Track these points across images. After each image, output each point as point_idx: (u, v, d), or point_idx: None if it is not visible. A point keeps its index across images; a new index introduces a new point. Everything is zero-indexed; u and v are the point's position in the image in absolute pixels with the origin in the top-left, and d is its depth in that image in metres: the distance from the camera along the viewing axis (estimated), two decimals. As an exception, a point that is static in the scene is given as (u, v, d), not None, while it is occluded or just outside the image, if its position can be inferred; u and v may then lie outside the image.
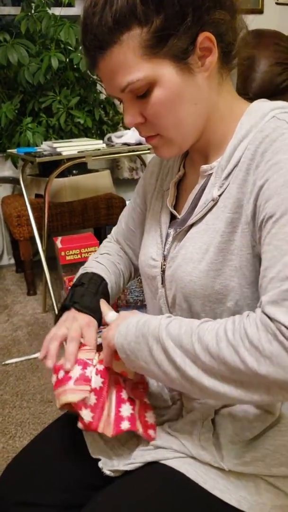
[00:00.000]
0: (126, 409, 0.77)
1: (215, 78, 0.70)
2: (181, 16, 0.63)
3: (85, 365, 0.77)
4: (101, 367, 0.79)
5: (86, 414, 0.73)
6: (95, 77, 2.79)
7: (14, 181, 3.03)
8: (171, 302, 0.77)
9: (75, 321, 0.83)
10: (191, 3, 0.63)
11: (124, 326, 0.71)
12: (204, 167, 0.74)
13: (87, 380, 0.76)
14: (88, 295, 0.89)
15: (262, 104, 0.71)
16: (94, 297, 0.89)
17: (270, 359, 0.54)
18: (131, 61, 0.64)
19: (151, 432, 0.78)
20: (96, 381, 0.77)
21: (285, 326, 0.54)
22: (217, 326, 0.61)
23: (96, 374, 0.78)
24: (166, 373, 0.64)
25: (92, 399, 0.75)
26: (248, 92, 2.70)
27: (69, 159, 2.02)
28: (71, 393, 0.74)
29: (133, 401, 0.79)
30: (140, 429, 0.76)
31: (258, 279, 0.67)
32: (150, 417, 0.79)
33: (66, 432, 0.84)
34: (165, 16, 0.63)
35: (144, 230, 0.91)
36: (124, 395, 0.79)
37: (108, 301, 0.91)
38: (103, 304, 0.88)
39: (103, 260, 0.99)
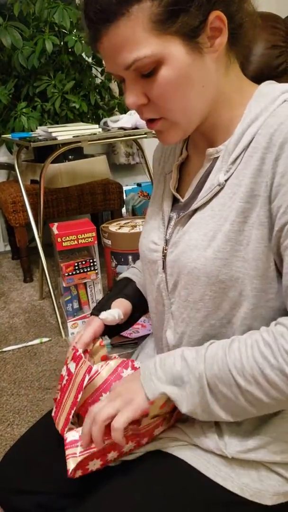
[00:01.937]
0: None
1: (223, 61, 0.67)
2: None
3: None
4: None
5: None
6: (90, 60, 2.74)
7: (9, 167, 3.00)
8: (171, 288, 0.76)
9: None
10: None
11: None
12: (210, 150, 0.72)
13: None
14: (105, 298, 0.92)
15: (272, 87, 0.69)
16: (109, 299, 0.91)
17: None
18: (139, 36, 0.61)
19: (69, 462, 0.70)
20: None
21: None
22: (250, 352, 0.62)
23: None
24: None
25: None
26: (245, 75, 2.67)
27: (65, 144, 1.99)
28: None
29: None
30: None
31: (269, 272, 0.67)
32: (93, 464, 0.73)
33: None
34: None
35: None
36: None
37: (134, 299, 0.92)
38: (114, 304, 0.89)
39: (138, 262, 1.01)
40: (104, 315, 0.85)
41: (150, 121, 0.70)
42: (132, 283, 0.96)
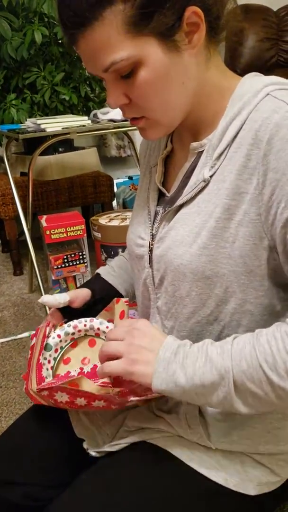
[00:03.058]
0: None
1: (202, 54, 0.66)
2: None
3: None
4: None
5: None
6: (80, 52, 2.72)
7: (-2, 159, 2.97)
8: (157, 283, 0.75)
9: None
10: None
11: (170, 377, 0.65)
12: (194, 144, 0.71)
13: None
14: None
15: (255, 79, 0.68)
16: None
17: None
18: (114, 40, 0.60)
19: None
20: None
21: None
22: (281, 345, 0.59)
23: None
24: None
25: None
26: (236, 68, 2.66)
27: (54, 135, 1.98)
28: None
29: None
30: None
31: (260, 269, 0.66)
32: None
33: (51, 412, 0.83)
34: None
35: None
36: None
37: (98, 290, 0.94)
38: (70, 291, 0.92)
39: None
40: (44, 298, 0.88)
41: (133, 119, 0.70)
42: (102, 279, 0.97)
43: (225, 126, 0.66)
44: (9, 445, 0.87)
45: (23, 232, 2.22)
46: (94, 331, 0.90)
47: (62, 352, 0.87)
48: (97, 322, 0.89)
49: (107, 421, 0.82)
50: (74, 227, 1.89)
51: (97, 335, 0.90)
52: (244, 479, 0.71)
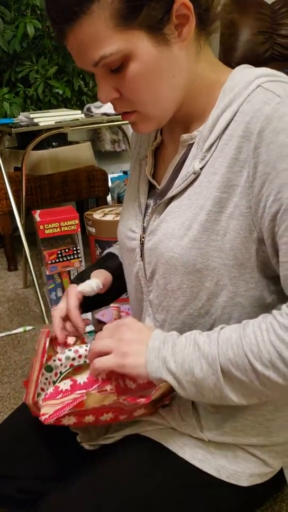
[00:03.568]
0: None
1: (192, 47, 0.66)
2: None
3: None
4: None
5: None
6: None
7: (-8, 154, 2.96)
8: (149, 276, 0.75)
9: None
10: None
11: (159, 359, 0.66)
12: (185, 136, 0.71)
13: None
14: (87, 269, 0.92)
15: (246, 71, 0.67)
16: (90, 270, 0.91)
17: None
18: (103, 34, 0.59)
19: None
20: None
21: None
22: (266, 336, 0.60)
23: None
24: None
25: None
26: (230, 62, 2.65)
27: (47, 129, 1.97)
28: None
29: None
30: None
31: (250, 262, 0.66)
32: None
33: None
34: None
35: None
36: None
37: (115, 271, 0.92)
38: (93, 274, 0.89)
39: None
40: (81, 286, 0.84)
41: (124, 113, 0.69)
42: (115, 257, 0.95)
43: (215, 118, 0.66)
44: (3, 440, 0.87)
45: (17, 228, 2.21)
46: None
47: (61, 377, 0.83)
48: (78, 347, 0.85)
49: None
50: (68, 221, 1.89)
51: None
52: (236, 471, 0.72)
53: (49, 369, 0.82)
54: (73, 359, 0.84)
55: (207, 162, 0.67)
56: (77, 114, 2.05)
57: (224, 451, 0.72)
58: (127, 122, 2.13)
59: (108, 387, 0.71)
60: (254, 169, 0.62)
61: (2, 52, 2.43)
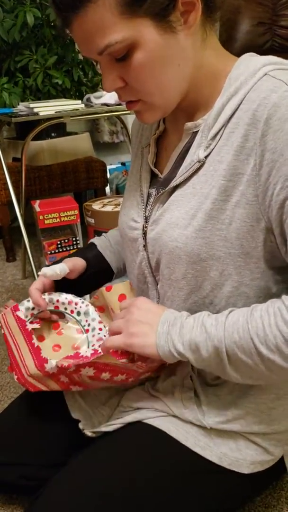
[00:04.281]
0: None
1: (198, 34, 0.65)
2: None
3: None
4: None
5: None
6: (73, 35, 2.68)
7: (-10, 144, 2.94)
8: (154, 266, 0.75)
9: None
10: None
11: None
12: (189, 124, 0.70)
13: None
14: (65, 257, 0.92)
15: (252, 59, 0.67)
16: (65, 258, 0.91)
17: None
18: (109, 22, 0.59)
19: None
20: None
21: None
22: (273, 321, 0.61)
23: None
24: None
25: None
26: (230, 53, 2.63)
27: (46, 119, 1.96)
28: None
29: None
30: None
31: (256, 251, 0.66)
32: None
33: (47, 395, 0.83)
34: None
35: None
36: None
37: (91, 260, 0.92)
38: (65, 260, 0.89)
39: (111, 231, 1.02)
40: (44, 270, 0.85)
41: (129, 102, 0.69)
42: (94, 247, 0.95)
43: (221, 106, 0.65)
44: (4, 428, 0.87)
45: (15, 218, 2.20)
46: (53, 303, 0.88)
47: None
48: (56, 294, 0.87)
49: (103, 402, 0.83)
50: (68, 212, 1.88)
51: (56, 308, 0.88)
52: (238, 458, 0.72)
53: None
54: (33, 308, 0.86)
55: (212, 150, 0.66)
56: (77, 104, 2.04)
57: (226, 439, 0.73)
58: (127, 112, 2.12)
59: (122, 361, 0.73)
60: (261, 157, 0.61)
61: (2, 41, 2.41)
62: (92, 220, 2.02)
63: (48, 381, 0.74)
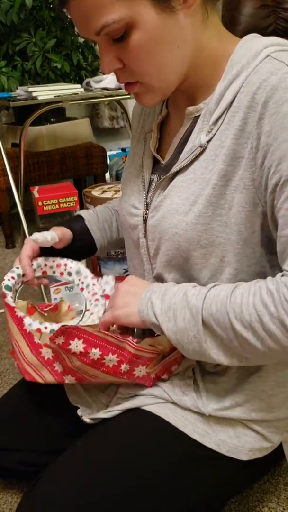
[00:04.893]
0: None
1: (198, 14, 0.63)
2: None
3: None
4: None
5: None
6: (72, 18, 2.64)
7: (-11, 129, 2.91)
8: (153, 253, 0.74)
9: None
10: None
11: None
12: (190, 109, 0.69)
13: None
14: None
15: (254, 41, 0.65)
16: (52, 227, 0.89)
17: None
18: (106, 1, 0.57)
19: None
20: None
21: None
22: (251, 299, 0.61)
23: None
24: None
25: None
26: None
27: (46, 104, 1.94)
28: None
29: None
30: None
31: (253, 237, 0.65)
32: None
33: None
34: None
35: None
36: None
37: (78, 232, 0.91)
38: (53, 228, 0.88)
39: (99, 207, 1.00)
40: (35, 235, 0.84)
41: (127, 84, 0.67)
42: (81, 219, 0.93)
43: (223, 89, 0.64)
44: (3, 414, 0.87)
45: (14, 205, 2.19)
46: (41, 268, 0.87)
47: (17, 295, 0.85)
48: (42, 259, 0.87)
49: (101, 390, 0.83)
50: (67, 198, 1.87)
51: (44, 273, 0.88)
52: (236, 445, 0.72)
53: (8, 288, 0.81)
54: (23, 275, 0.85)
55: (214, 135, 0.65)
56: (77, 89, 2.02)
57: (225, 426, 0.73)
58: (127, 96, 2.10)
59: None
60: (257, 140, 0.60)
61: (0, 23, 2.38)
62: (91, 207, 2.00)
63: (44, 370, 0.74)
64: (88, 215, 0.94)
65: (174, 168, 0.69)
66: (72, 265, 0.87)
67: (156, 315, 0.67)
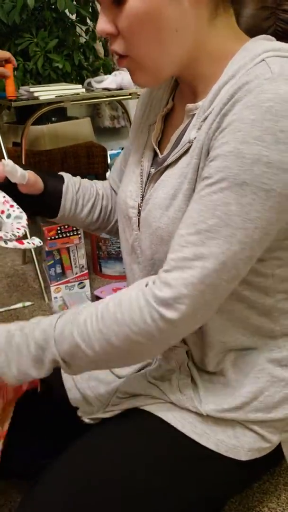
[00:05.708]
0: None
1: (207, 9, 0.63)
2: None
3: None
4: None
5: None
6: (74, 18, 2.64)
7: (-10, 129, 2.92)
8: (143, 246, 0.74)
9: None
10: None
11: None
12: (190, 106, 0.69)
13: None
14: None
15: (258, 43, 0.64)
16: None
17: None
18: None
19: None
20: None
21: None
22: (95, 325, 0.64)
23: None
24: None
25: None
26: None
27: (47, 104, 1.94)
28: None
29: None
30: None
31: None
32: None
33: (45, 380, 0.83)
34: None
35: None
36: None
37: (51, 186, 0.84)
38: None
39: (85, 181, 0.94)
40: (9, 161, 0.75)
41: (119, 58, 0.67)
42: (61, 179, 0.87)
43: (217, 89, 0.63)
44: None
45: (15, 203, 2.19)
46: None
47: None
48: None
49: (101, 389, 0.83)
50: (68, 197, 1.87)
51: None
52: (235, 445, 0.72)
53: None
54: None
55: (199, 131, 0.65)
56: (78, 89, 2.02)
57: (223, 426, 0.73)
58: (128, 97, 2.10)
59: None
60: (214, 133, 0.61)
61: (1, 23, 2.38)
62: (92, 206, 2.00)
63: None
64: (70, 181, 0.88)
65: (166, 163, 0.70)
66: (17, 210, 0.77)
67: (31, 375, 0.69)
